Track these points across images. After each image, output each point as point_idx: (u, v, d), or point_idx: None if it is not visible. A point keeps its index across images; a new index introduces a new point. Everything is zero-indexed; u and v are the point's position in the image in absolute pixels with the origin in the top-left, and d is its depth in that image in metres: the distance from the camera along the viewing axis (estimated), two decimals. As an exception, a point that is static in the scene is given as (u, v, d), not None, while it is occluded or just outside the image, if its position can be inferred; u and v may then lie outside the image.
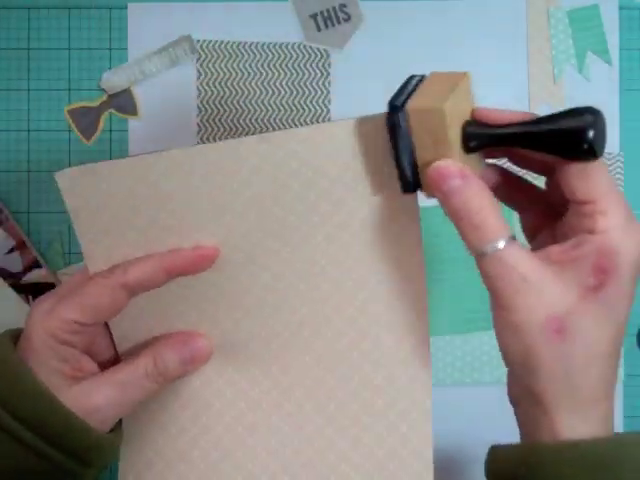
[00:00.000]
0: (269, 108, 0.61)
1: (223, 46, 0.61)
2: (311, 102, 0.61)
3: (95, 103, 0.61)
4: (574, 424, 0.34)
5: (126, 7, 0.61)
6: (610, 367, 0.35)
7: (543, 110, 0.61)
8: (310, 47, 0.61)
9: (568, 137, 0.34)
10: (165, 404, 0.43)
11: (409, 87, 0.37)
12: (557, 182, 0.36)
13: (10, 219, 0.59)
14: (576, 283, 0.34)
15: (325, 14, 0.61)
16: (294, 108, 0.61)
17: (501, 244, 0.34)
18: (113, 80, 0.60)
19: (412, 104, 0.35)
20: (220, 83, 0.61)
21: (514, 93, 0.61)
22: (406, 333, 0.40)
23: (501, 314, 0.35)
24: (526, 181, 0.41)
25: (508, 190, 0.41)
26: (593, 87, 0.61)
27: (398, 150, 0.36)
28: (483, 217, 0.35)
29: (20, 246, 0.59)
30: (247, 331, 0.42)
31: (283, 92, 0.61)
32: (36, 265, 0.59)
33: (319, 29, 0.61)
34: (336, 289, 0.40)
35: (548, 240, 0.38)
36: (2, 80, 0.61)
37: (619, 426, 0.61)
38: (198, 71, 0.61)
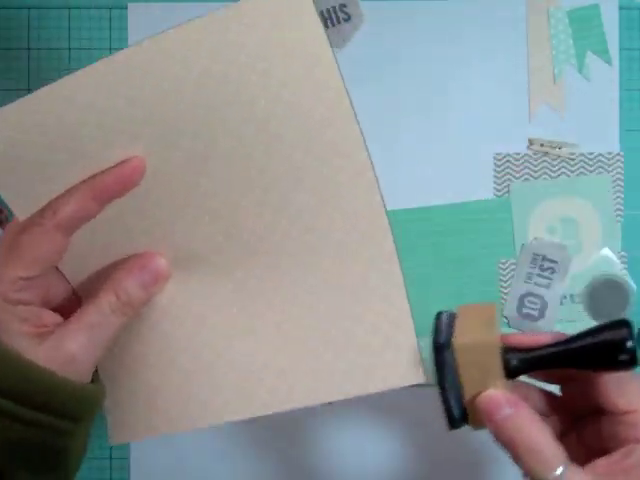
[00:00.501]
0: (269, 108, 0.61)
1: (223, 46, 0.61)
2: (311, 102, 0.61)
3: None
4: None
5: (126, 7, 0.61)
6: None
7: (543, 110, 0.61)
8: (310, 47, 0.61)
9: (608, 350, 0.35)
10: (135, 331, 0.42)
11: (443, 324, 0.38)
12: (583, 392, 0.37)
13: (10, 219, 0.59)
14: None
15: (325, 14, 0.61)
16: (294, 108, 0.61)
17: (560, 470, 0.34)
18: (113, 80, 0.60)
19: (460, 339, 0.37)
20: (220, 83, 0.61)
21: (514, 93, 0.61)
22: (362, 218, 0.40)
23: None
24: (547, 392, 0.42)
25: (538, 403, 0.41)
26: (593, 87, 0.61)
27: (445, 388, 0.37)
28: (542, 447, 0.35)
29: (20, 246, 0.59)
30: (202, 240, 0.40)
31: (283, 92, 0.61)
32: (36, 265, 0.59)
33: (319, 29, 0.61)
34: (284, 183, 0.39)
35: (574, 445, 0.39)
36: (2, 80, 0.61)
37: (619, 426, 0.61)
38: (198, 71, 0.61)
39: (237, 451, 0.61)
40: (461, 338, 0.37)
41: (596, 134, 0.61)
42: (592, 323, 0.60)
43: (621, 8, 0.61)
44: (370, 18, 0.61)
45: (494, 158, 0.61)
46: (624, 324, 0.36)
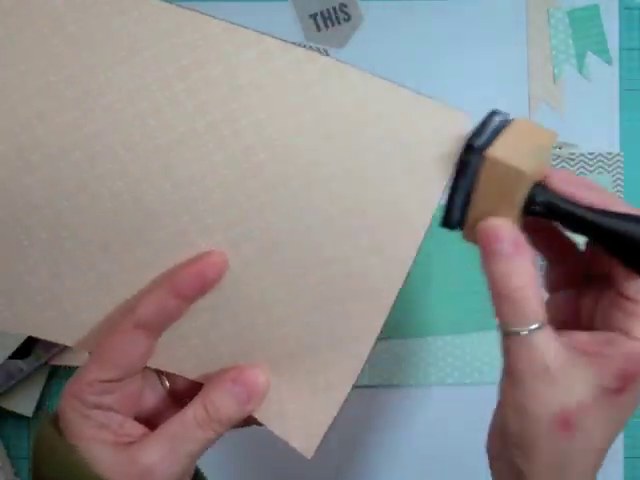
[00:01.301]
0: (269, 108, 0.61)
1: (223, 46, 0.61)
2: (311, 102, 0.61)
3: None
4: None
5: (126, 7, 0.61)
6: (603, 458, 0.35)
7: (543, 110, 0.61)
8: (310, 47, 0.61)
9: (634, 246, 0.32)
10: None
11: (491, 127, 0.34)
12: (602, 262, 0.35)
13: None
14: (596, 381, 0.33)
15: (325, 14, 0.61)
16: (294, 108, 0.61)
17: (533, 326, 0.33)
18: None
19: (494, 152, 0.33)
20: (220, 83, 0.61)
21: (514, 93, 0.61)
22: None
23: (513, 393, 0.34)
24: (567, 238, 0.39)
25: (546, 240, 0.38)
26: (593, 87, 0.61)
27: (456, 187, 0.34)
28: (523, 295, 0.33)
29: (20, 246, 0.59)
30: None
31: (283, 92, 0.61)
32: (36, 265, 0.59)
33: (319, 29, 0.61)
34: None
35: (570, 302, 0.37)
36: (2, 80, 0.61)
37: (619, 426, 0.61)
38: (198, 71, 0.61)
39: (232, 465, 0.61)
40: (497, 150, 0.32)
41: (596, 134, 0.61)
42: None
43: (621, 8, 0.61)
44: (370, 18, 0.61)
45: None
46: None
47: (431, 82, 0.61)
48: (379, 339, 0.38)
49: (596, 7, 0.61)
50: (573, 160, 0.61)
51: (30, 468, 0.36)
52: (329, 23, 0.61)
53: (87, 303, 0.37)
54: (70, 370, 0.60)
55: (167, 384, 0.40)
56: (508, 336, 0.33)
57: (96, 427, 0.35)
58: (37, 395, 0.60)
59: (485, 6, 0.61)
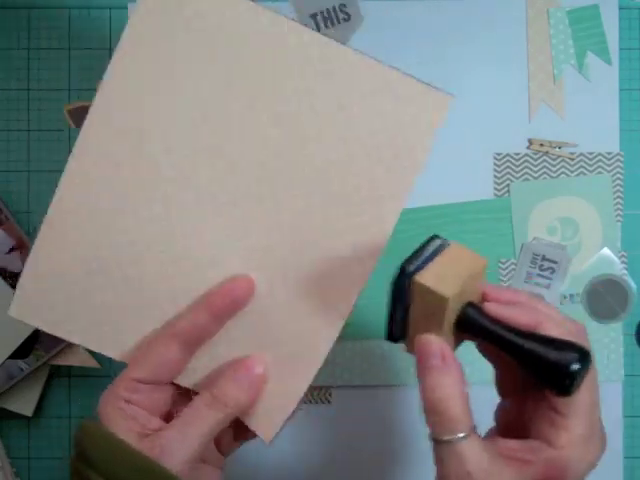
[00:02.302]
0: (269, 108, 0.61)
1: (223, 46, 0.61)
2: (311, 102, 0.61)
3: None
4: None
5: (126, 7, 0.61)
6: None
7: (543, 110, 0.61)
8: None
9: (552, 368, 0.35)
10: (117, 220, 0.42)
11: (427, 252, 0.38)
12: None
13: (10, 219, 0.59)
14: None
15: (325, 14, 0.61)
16: (294, 108, 0.61)
17: (459, 435, 0.35)
18: (113, 80, 0.60)
19: (421, 278, 0.36)
20: (220, 83, 0.61)
21: (514, 93, 0.61)
22: None
23: None
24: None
25: (490, 350, 0.41)
26: (593, 87, 0.61)
27: (395, 306, 0.38)
28: (450, 408, 0.36)
29: (20, 246, 0.59)
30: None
31: (283, 92, 0.61)
32: (36, 265, 0.59)
33: (319, 29, 0.61)
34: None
35: (515, 407, 0.40)
36: (2, 80, 0.61)
37: (618, 426, 0.61)
38: (198, 71, 0.61)
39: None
40: (424, 276, 0.36)
41: (596, 134, 0.61)
42: (592, 323, 0.60)
43: (621, 8, 0.61)
44: (370, 18, 0.61)
45: (494, 158, 0.61)
46: (581, 352, 0.35)
47: (430, 82, 0.61)
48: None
49: (596, 7, 0.61)
50: (573, 160, 0.61)
51: (72, 455, 0.40)
52: (329, 23, 0.61)
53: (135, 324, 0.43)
54: (70, 370, 0.60)
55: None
56: (437, 444, 0.36)
57: (126, 418, 0.40)
58: (37, 395, 0.60)
59: (485, 6, 0.61)
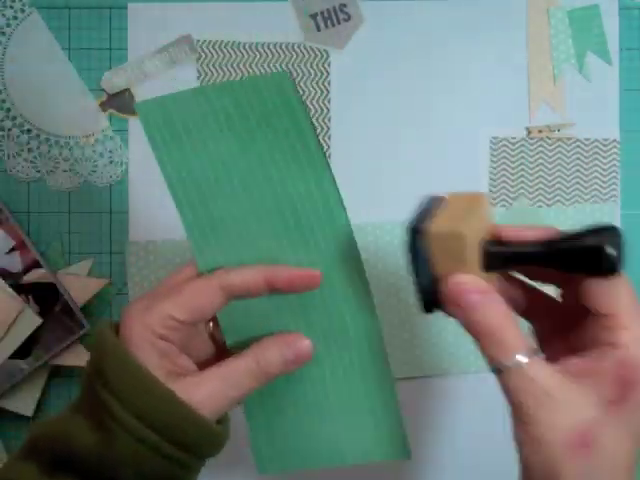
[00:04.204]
0: (269, 108, 0.61)
1: (223, 46, 0.61)
2: (311, 102, 0.61)
3: (95, 103, 0.61)
4: None
5: (126, 7, 0.61)
6: (632, 477, 0.35)
7: (543, 110, 0.61)
8: (310, 47, 0.61)
9: (589, 256, 0.35)
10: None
11: (427, 209, 0.38)
12: (575, 293, 0.37)
13: (10, 219, 0.59)
14: (598, 397, 0.34)
15: (325, 14, 0.61)
16: (294, 108, 0.61)
17: (523, 358, 0.35)
18: (113, 80, 0.60)
19: (432, 228, 0.36)
20: (220, 83, 0.61)
21: (514, 93, 0.61)
22: None
23: (523, 428, 0.35)
24: (539, 291, 0.42)
25: (521, 301, 0.41)
26: (593, 87, 0.61)
27: (418, 272, 0.37)
28: (504, 332, 0.35)
29: (20, 246, 0.59)
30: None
31: (283, 92, 0.61)
32: (36, 265, 0.59)
33: (319, 29, 0.61)
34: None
35: (562, 349, 0.38)
36: (2, 80, 0.61)
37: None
38: (198, 71, 0.61)
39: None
40: (434, 225, 0.36)
41: (596, 134, 0.61)
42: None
43: (621, 8, 0.61)
44: (370, 18, 0.61)
45: (492, 158, 0.61)
46: (609, 230, 0.35)
47: (430, 82, 0.61)
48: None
49: (596, 7, 0.61)
50: (569, 152, 0.61)
51: (89, 364, 0.40)
52: (329, 23, 0.61)
53: None
54: (70, 370, 0.60)
55: (218, 336, 0.44)
56: (501, 374, 0.35)
57: (159, 355, 0.39)
58: (37, 395, 0.60)
59: (485, 6, 0.61)
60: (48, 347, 0.58)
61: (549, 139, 0.61)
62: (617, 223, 0.61)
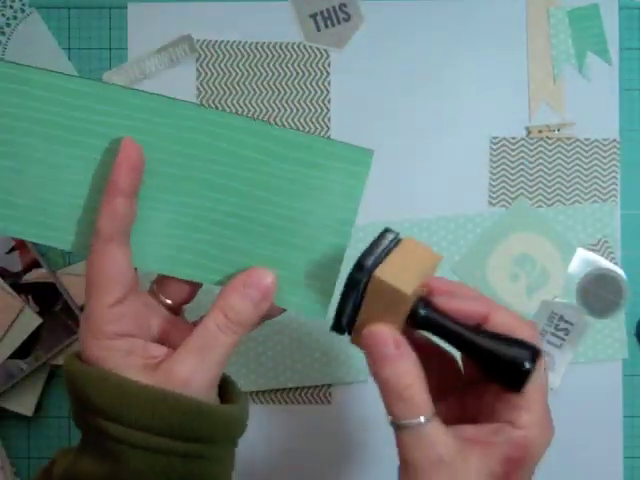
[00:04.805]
0: (269, 108, 0.61)
1: (223, 46, 0.61)
2: (311, 102, 0.61)
3: (95, 103, 0.61)
4: None
5: (126, 7, 0.61)
6: None
7: (543, 110, 0.61)
8: (310, 47, 0.61)
9: (507, 368, 0.35)
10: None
11: (381, 246, 0.37)
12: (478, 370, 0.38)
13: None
14: (485, 469, 0.36)
15: (325, 14, 0.61)
16: (294, 108, 0.61)
17: (423, 419, 0.35)
18: (113, 80, 0.60)
19: (378, 272, 0.36)
20: (220, 83, 0.61)
21: (514, 93, 0.61)
22: None
23: None
24: (440, 348, 0.42)
25: (423, 355, 0.40)
26: (593, 87, 0.61)
27: (346, 298, 0.37)
28: (412, 392, 0.36)
29: (20, 246, 0.59)
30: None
31: (283, 92, 0.61)
32: (36, 265, 0.59)
33: (319, 29, 0.61)
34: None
35: (457, 406, 0.40)
36: (2, 80, 0.61)
37: (619, 426, 0.61)
38: (198, 71, 0.61)
39: None
40: (383, 273, 0.36)
41: (596, 134, 0.61)
42: (597, 324, 0.60)
43: (621, 8, 0.61)
44: (370, 18, 0.61)
45: (491, 159, 0.61)
46: (533, 349, 0.35)
47: (430, 82, 0.61)
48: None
49: (596, 7, 0.61)
50: (569, 152, 0.61)
51: (71, 403, 0.38)
52: (329, 23, 0.61)
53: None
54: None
55: (166, 300, 0.41)
56: (401, 430, 0.36)
57: (123, 355, 0.37)
58: (37, 395, 0.60)
59: (485, 6, 0.61)
60: (48, 347, 0.58)
61: (549, 139, 0.61)
62: (617, 223, 0.61)
